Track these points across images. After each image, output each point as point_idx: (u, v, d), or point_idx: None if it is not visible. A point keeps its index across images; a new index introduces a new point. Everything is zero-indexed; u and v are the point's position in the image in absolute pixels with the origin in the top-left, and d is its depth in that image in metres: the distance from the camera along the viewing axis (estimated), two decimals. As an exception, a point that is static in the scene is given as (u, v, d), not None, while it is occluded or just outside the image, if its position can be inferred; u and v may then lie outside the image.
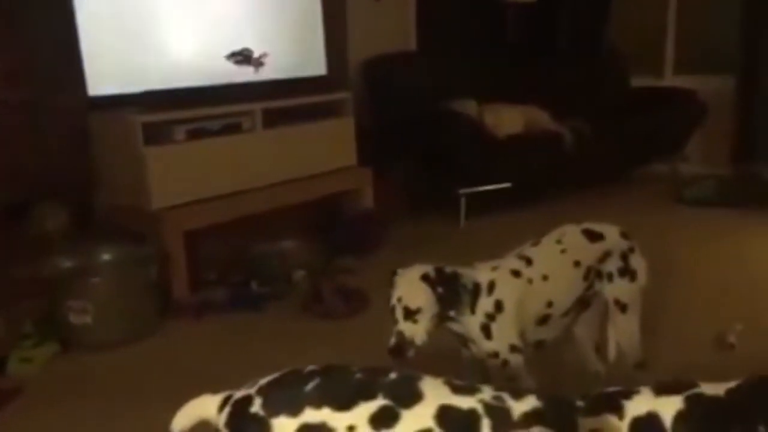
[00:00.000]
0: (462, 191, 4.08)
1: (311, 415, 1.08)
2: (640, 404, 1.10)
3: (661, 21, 5.35)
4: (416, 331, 1.67)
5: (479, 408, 1.08)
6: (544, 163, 4.27)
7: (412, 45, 4.89)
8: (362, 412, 1.08)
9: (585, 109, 4.69)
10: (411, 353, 1.66)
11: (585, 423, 1.09)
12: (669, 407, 1.08)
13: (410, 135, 4.24)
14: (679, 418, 1.07)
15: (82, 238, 2.98)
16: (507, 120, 4.42)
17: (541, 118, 4.53)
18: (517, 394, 1.12)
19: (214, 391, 2.31)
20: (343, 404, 1.09)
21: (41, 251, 2.86)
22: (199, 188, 3.19)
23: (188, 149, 3.17)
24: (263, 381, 1.16)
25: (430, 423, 1.07)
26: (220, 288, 3.16)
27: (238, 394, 1.15)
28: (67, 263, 2.82)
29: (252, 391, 1.14)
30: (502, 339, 1.75)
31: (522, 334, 1.80)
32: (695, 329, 2.64)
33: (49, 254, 2.82)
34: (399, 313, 1.69)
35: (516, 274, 1.86)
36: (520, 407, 1.08)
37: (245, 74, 3.47)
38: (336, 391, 1.11)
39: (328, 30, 3.86)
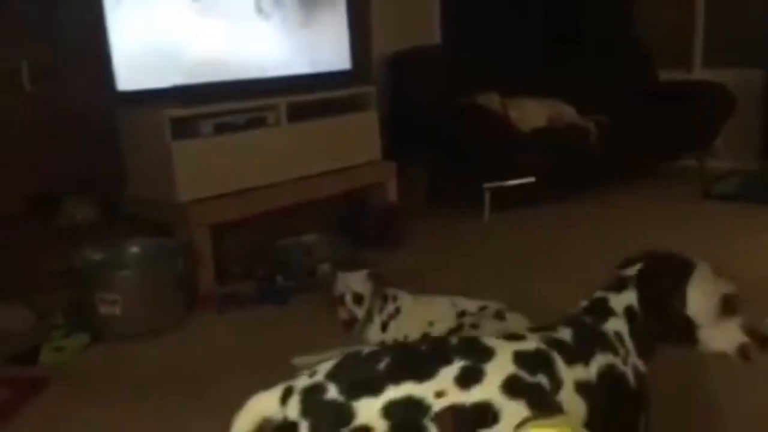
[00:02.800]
0: (486, 186, 4.08)
1: (394, 392, 1.10)
2: (620, 300, 1.36)
3: (689, 14, 5.28)
4: (359, 312, 2.35)
5: (542, 346, 1.22)
6: (568, 157, 4.23)
7: (436, 39, 4.87)
8: (446, 377, 1.12)
9: (611, 103, 4.64)
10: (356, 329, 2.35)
11: (607, 326, 1.33)
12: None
13: (434, 129, 4.24)
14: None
15: (112, 231, 3.04)
16: (531, 114, 4.39)
17: (566, 112, 4.50)
18: (551, 329, 1.29)
19: (240, 382, 2.35)
20: (424, 374, 1.12)
21: (71, 243, 2.92)
22: (225, 182, 3.22)
23: (215, 143, 3.20)
24: (324, 368, 1.16)
25: (512, 369, 1.15)
26: (245, 281, 3.19)
27: (301, 383, 1.15)
28: (97, 256, 2.89)
29: (319, 378, 1.14)
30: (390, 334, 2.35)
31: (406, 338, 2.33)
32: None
33: (79, 246, 2.88)
34: (350, 299, 2.36)
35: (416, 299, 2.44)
36: (564, 335, 1.27)
37: (271, 69, 3.50)
38: (411, 364, 1.13)
39: (352, 24, 3.87)
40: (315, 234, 3.52)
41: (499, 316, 2.30)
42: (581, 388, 1.21)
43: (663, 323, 1.33)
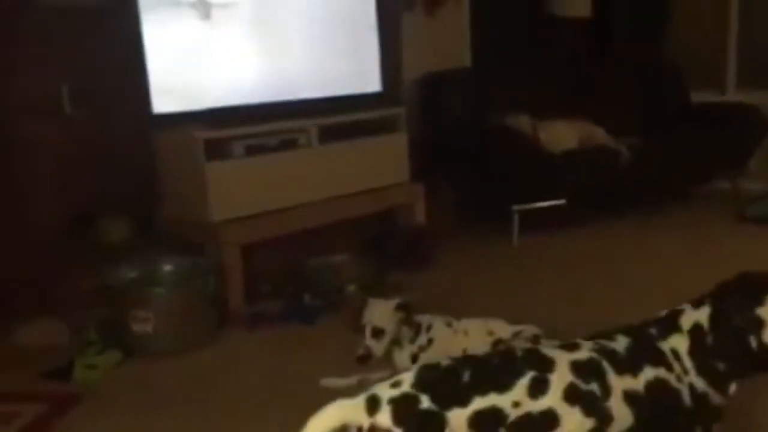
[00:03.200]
0: (515, 208, 4.07)
1: (480, 402, 1.19)
2: (688, 318, 1.36)
3: (722, 35, 5.23)
4: (378, 348, 2.28)
5: (595, 355, 1.29)
6: (599, 179, 4.21)
7: (466, 61, 4.91)
8: (521, 388, 1.22)
9: (643, 125, 4.61)
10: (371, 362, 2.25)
11: (665, 344, 1.35)
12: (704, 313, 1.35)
13: (463, 151, 4.25)
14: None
15: (145, 250, 3.11)
16: (561, 135, 4.38)
17: (597, 133, 4.47)
18: (608, 337, 1.34)
19: (269, 401, 2.38)
20: (504, 385, 1.21)
21: (106, 262, 2.99)
22: (256, 202, 3.27)
23: (247, 165, 3.26)
24: (407, 379, 1.23)
25: (571, 378, 1.25)
26: (273, 300, 3.23)
27: (387, 394, 1.21)
28: (130, 274, 2.95)
29: (407, 389, 1.20)
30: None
31: None
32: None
33: (113, 265, 2.95)
34: (369, 332, 2.29)
35: (449, 324, 2.37)
36: (618, 345, 1.32)
37: (302, 92, 3.56)
38: (491, 376, 1.23)
39: (383, 47, 3.92)
40: (343, 254, 3.55)
41: (535, 341, 2.26)
42: (628, 397, 1.28)
43: (732, 345, 1.31)
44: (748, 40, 5.18)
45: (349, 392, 2.30)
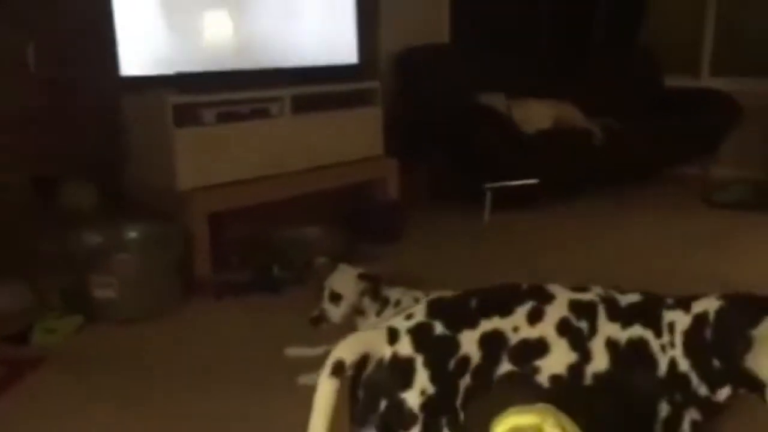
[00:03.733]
0: (487, 186, 4.07)
1: (485, 325, 1.32)
2: (701, 304, 1.37)
3: (699, 21, 5.26)
4: (334, 312, 2.21)
5: (596, 299, 1.38)
6: (572, 160, 4.23)
7: (444, 37, 4.87)
8: (520, 314, 1.34)
9: (617, 107, 4.64)
10: (324, 326, 2.19)
11: (667, 315, 1.37)
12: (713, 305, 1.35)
13: (438, 127, 4.24)
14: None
15: (110, 216, 3.05)
16: (536, 115, 4.39)
17: (572, 114, 4.49)
18: (623, 291, 1.39)
19: (233, 369, 2.36)
20: (506, 311, 1.33)
21: (69, 226, 2.93)
22: (226, 171, 3.23)
23: (217, 132, 3.20)
24: (419, 311, 1.34)
25: (565, 312, 1.35)
26: (242, 270, 3.19)
27: (404, 325, 1.31)
28: (94, 239, 2.90)
29: (421, 319, 1.31)
30: None
31: None
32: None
33: (77, 229, 2.89)
34: (326, 294, 2.23)
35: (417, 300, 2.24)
36: (624, 299, 1.37)
37: (276, 60, 3.50)
38: (495, 303, 1.35)
39: (360, 18, 3.87)
40: (314, 227, 3.52)
41: None
42: (610, 343, 1.34)
43: (726, 348, 1.30)
44: (724, 27, 5.22)
45: (313, 362, 2.32)
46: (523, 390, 1.37)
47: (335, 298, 2.25)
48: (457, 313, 1.33)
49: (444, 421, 1.28)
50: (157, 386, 2.25)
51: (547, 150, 4.17)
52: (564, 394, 1.35)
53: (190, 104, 3.11)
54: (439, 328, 1.30)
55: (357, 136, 3.78)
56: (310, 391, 2.20)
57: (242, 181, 3.28)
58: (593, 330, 1.35)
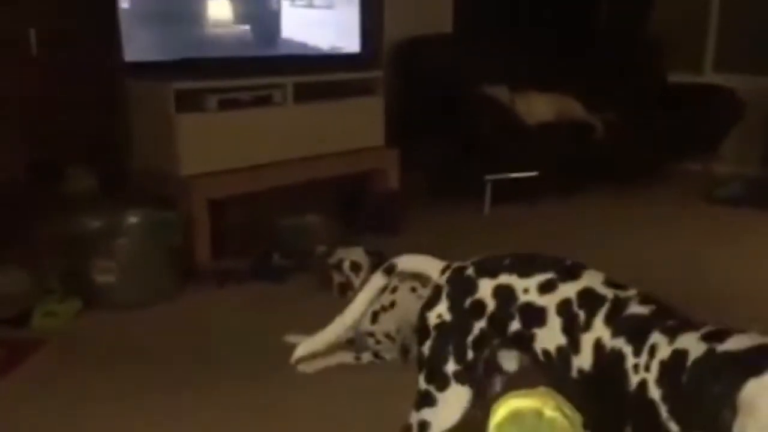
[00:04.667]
0: (488, 177, 4.07)
1: (503, 279, 1.42)
2: (685, 340, 1.24)
3: (703, 17, 5.25)
4: (356, 281, 2.32)
5: (609, 296, 1.35)
6: (572, 153, 4.22)
7: (448, 27, 4.85)
8: (535, 281, 1.40)
9: (620, 101, 4.63)
10: (350, 295, 2.21)
11: (653, 336, 1.27)
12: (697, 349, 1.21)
13: (440, 118, 4.22)
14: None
15: (111, 200, 3.03)
16: (538, 107, 4.38)
17: (574, 107, 4.49)
18: (646, 300, 1.34)
19: (232, 355, 2.36)
20: (525, 274, 1.41)
21: (72, 211, 2.92)
22: (227, 158, 3.22)
23: (219, 119, 3.20)
24: (471, 259, 1.52)
25: (572, 295, 1.36)
26: (242, 257, 3.19)
27: (455, 264, 1.52)
28: (94, 223, 2.87)
29: (467, 263, 1.50)
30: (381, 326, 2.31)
31: (398, 331, 2.32)
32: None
33: (77, 214, 2.88)
34: (347, 265, 2.36)
35: (413, 290, 2.31)
36: (633, 309, 1.32)
37: (280, 48, 3.49)
38: (522, 265, 1.44)
39: (363, 7, 3.86)
40: (315, 215, 3.51)
41: None
42: (596, 345, 1.32)
43: (697, 409, 1.15)
44: (727, 24, 5.20)
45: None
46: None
47: (356, 267, 2.35)
48: (489, 264, 1.48)
49: (451, 348, 1.43)
50: (156, 373, 2.25)
51: (548, 142, 4.16)
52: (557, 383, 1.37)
53: (192, 90, 3.10)
54: (469, 270, 1.47)
55: (358, 125, 3.78)
56: (310, 378, 2.22)
57: (243, 168, 3.28)
58: (588, 324, 1.33)
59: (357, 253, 2.39)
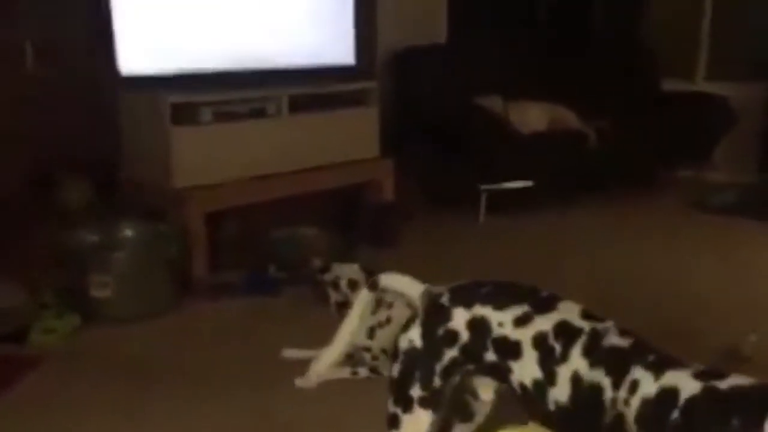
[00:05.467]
0: (483, 187, 4.08)
1: (478, 310, 1.41)
2: (675, 376, 1.20)
3: (695, 25, 5.29)
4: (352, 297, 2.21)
5: (585, 328, 1.33)
6: (566, 162, 4.24)
7: (442, 38, 4.88)
8: (510, 314, 1.38)
9: (613, 109, 4.65)
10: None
11: (635, 371, 1.23)
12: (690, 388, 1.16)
13: (434, 128, 4.24)
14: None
15: (106, 214, 3.04)
16: (532, 117, 4.41)
17: (567, 116, 4.51)
18: (623, 333, 1.32)
19: (228, 370, 2.37)
20: (500, 306, 1.40)
21: (65, 224, 2.93)
22: (222, 170, 3.23)
23: (214, 131, 3.21)
24: (455, 284, 1.53)
25: (548, 328, 1.34)
26: (238, 270, 3.19)
27: (435, 290, 1.52)
28: (90, 237, 2.88)
29: (444, 289, 1.50)
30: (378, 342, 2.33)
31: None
32: (708, 339, 2.63)
33: (73, 227, 2.88)
34: (345, 284, 2.42)
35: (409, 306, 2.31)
36: (611, 340, 1.30)
37: (274, 61, 3.51)
38: (498, 296, 1.43)
39: (358, 19, 3.87)
40: (310, 227, 3.52)
41: None
42: (574, 377, 1.29)
43: None
44: (720, 32, 5.24)
45: (311, 363, 2.33)
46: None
47: (353, 285, 2.39)
48: (465, 293, 1.47)
49: (417, 374, 1.45)
50: (155, 388, 2.26)
51: (541, 152, 4.18)
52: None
53: (187, 103, 3.11)
54: (444, 298, 1.47)
55: (353, 136, 3.78)
56: (307, 392, 2.23)
57: (239, 181, 3.28)
58: (564, 356, 1.30)
59: (353, 271, 2.41)
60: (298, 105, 3.50)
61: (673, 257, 3.59)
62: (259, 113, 3.39)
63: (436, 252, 3.65)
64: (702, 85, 5.27)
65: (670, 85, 5.20)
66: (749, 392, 1.11)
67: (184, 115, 3.10)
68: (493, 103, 4.34)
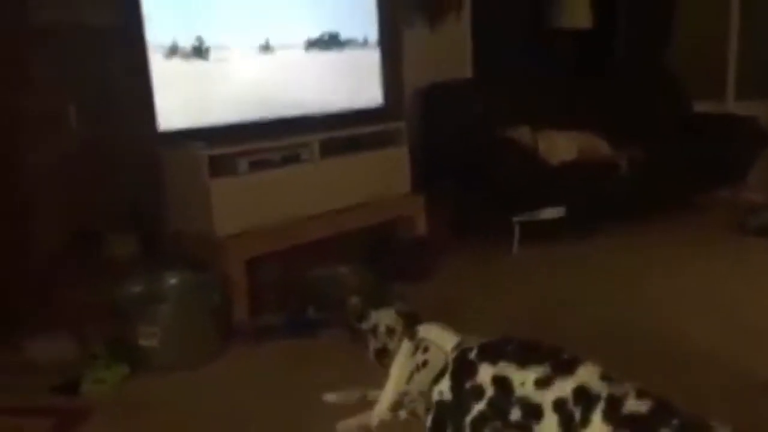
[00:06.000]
0: (515, 219, 4.12)
1: (502, 368, 1.49)
2: None
3: (723, 46, 5.28)
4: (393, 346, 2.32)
5: (604, 394, 1.37)
6: (597, 191, 4.25)
7: (468, 73, 4.96)
8: (532, 374, 1.46)
9: (644, 135, 4.65)
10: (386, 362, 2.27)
11: None
12: None
13: (464, 162, 4.30)
14: None
15: (151, 265, 3.16)
16: (561, 147, 4.43)
17: (597, 144, 4.52)
18: (641, 395, 1.36)
19: (275, 416, 2.43)
20: (523, 365, 1.47)
21: (112, 277, 3.05)
22: (260, 217, 3.33)
23: (250, 180, 3.32)
24: (485, 340, 1.61)
25: (566, 394, 1.40)
26: (278, 313, 3.28)
27: (465, 343, 1.63)
28: (136, 289, 3.00)
29: (473, 344, 1.60)
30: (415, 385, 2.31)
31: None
32: (748, 368, 2.61)
33: (120, 280, 3.00)
34: (383, 331, 2.40)
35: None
36: (631, 405, 1.34)
37: (305, 107, 3.63)
38: (522, 354, 1.50)
39: (384, 61, 3.98)
40: (345, 266, 3.59)
41: None
42: None
43: None
44: (747, 51, 5.22)
45: (351, 408, 2.38)
46: None
47: (391, 332, 2.40)
48: (492, 349, 1.55)
49: (450, 426, 1.54)
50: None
51: (572, 181, 4.20)
52: None
53: (224, 155, 3.22)
54: (473, 353, 1.56)
55: (384, 175, 3.87)
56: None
57: (276, 226, 3.38)
58: (585, 422, 1.35)
59: (390, 317, 2.44)
60: (329, 149, 3.60)
61: (712, 281, 3.56)
62: (292, 159, 3.49)
63: (470, 286, 3.69)
64: (732, 105, 5.24)
65: (700, 107, 5.18)
66: None
67: (221, 166, 3.21)
68: (522, 134, 4.39)
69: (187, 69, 3.22)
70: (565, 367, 1.44)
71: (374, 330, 2.45)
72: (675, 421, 1.27)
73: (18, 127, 3.20)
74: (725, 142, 4.64)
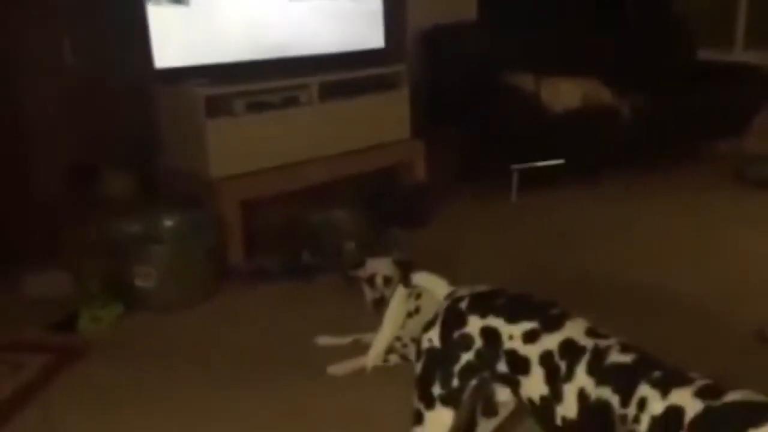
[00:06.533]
0: (514, 167, 4.09)
1: (491, 320, 1.49)
2: (680, 395, 1.22)
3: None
4: (389, 294, 2.24)
5: (589, 346, 1.37)
6: (599, 139, 4.21)
7: (472, 15, 4.84)
8: (520, 328, 1.45)
9: (648, 82, 4.58)
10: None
11: (642, 389, 1.26)
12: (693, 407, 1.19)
13: (465, 107, 4.24)
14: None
15: (147, 205, 3.15)
16: (564, 94, 4.36)
17: (600, 92, 4.45)
18: (626, 348, 1.35)
19: (267, 356, 2.46)
20: (512, 319, 1.47)
21: (109, 214, 3.05)
22: (256, 159, 3.30)
23: (247, 122, 3.28)
24: (476, 290, 1.59)
25: (554, 347, 1.40)
26: (273, 256, 3.28)
27: (458, 293, 1.59)
28: (133, 228, 3.00)
29: (465, 293, 1.57)
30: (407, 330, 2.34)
31: None
32: (737, 318, 2.63)
33: (116, 219, 3.00)
34: (380, 281, 2.46)
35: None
36: (615, 357, 1.33)
37: (305, 49, 3.55)
38: (513, 309, 1.49)
39: (386, 2, 3.88)
40: (342, 211, 3.58)
41: None
42: (581, 394, 1.33)
43: None
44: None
45: (344, 351, 2.42)
46: None
47: (387, 281, 2.44)
48: (482, 300, 1.53)
49: (438, 373, 1.53)
50: (192, 375, 2.37)
51: (574, 129, 4.16)
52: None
53: (221, 95, 3.18)
54: (463, 303, 1.54)
55: (384, 120, 3.82)
56: (341, 380, 2.31)
57: (273, 168, 3.36)
58: (570, 375, 1.35)
59: (386, 266, 2.46)
60: (328, 92, 3.55)
61: (712, 233, 3.56)
62: (290, 102, 3.44)
63: (468, 232, 3.69)
64: (740, 54, 5.14)
65: (708, 54, 5.08)
66: (739, 409, 1.15)
67: (217, 106, 3.17)
68: (525, 80, 4.31)
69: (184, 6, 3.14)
70: (553, 321, 1.44)
71: (371, 279, 2.46)
72: (656, 374, 1.26)
73: (14, 62, 3.15)
74: (729, 91, 4.57)
